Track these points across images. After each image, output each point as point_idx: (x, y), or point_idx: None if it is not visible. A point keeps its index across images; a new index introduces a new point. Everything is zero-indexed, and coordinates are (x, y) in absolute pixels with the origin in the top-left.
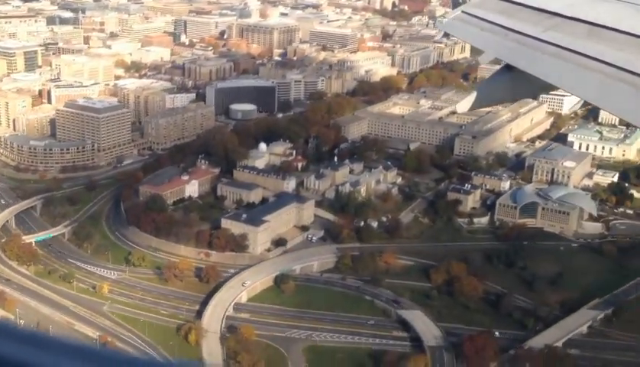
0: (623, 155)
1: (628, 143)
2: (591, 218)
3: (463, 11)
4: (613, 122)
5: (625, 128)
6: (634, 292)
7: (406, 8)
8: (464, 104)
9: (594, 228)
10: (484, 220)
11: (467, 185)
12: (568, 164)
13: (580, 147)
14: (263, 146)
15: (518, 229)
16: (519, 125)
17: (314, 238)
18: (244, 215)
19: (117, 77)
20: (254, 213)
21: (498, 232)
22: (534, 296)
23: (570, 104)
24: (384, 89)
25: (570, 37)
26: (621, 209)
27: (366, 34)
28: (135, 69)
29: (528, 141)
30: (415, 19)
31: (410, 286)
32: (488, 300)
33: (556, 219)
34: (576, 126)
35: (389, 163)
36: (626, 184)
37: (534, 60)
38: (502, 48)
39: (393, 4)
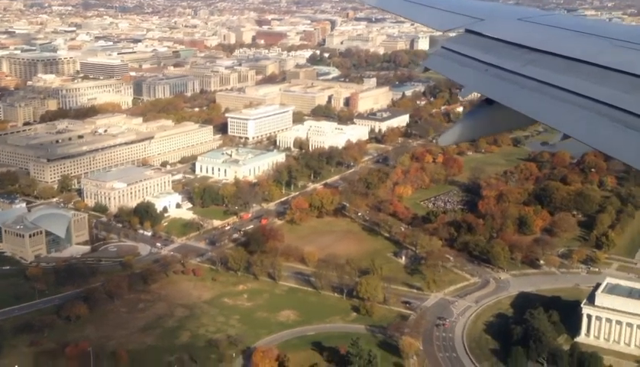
0: (235, 175)
1: (241, 164)
2: (92, 241)
3: (443, 47)
4: (289, 147)
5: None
6: None
7: (262, 41)
8: (447, 137)
9: (78, 251)
10: None
11: None
12: (117, 185)
13: (201, 170)
14: None
15: None
16: (146, 149)
17: None
18: None
19: None
20: None
21: None
22: None
23: (254, 128)
24: (90, 116)
25: (548, 71)
26: (141, 232)
27: (146, 64)
28: None
29: (169, 163)
30: (238, 51)
31: None
32: None
33: (17, 242)
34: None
35: None
36: (190, 205)
37: (513, 93)
38: (482, 82)
39: (253, 38)
